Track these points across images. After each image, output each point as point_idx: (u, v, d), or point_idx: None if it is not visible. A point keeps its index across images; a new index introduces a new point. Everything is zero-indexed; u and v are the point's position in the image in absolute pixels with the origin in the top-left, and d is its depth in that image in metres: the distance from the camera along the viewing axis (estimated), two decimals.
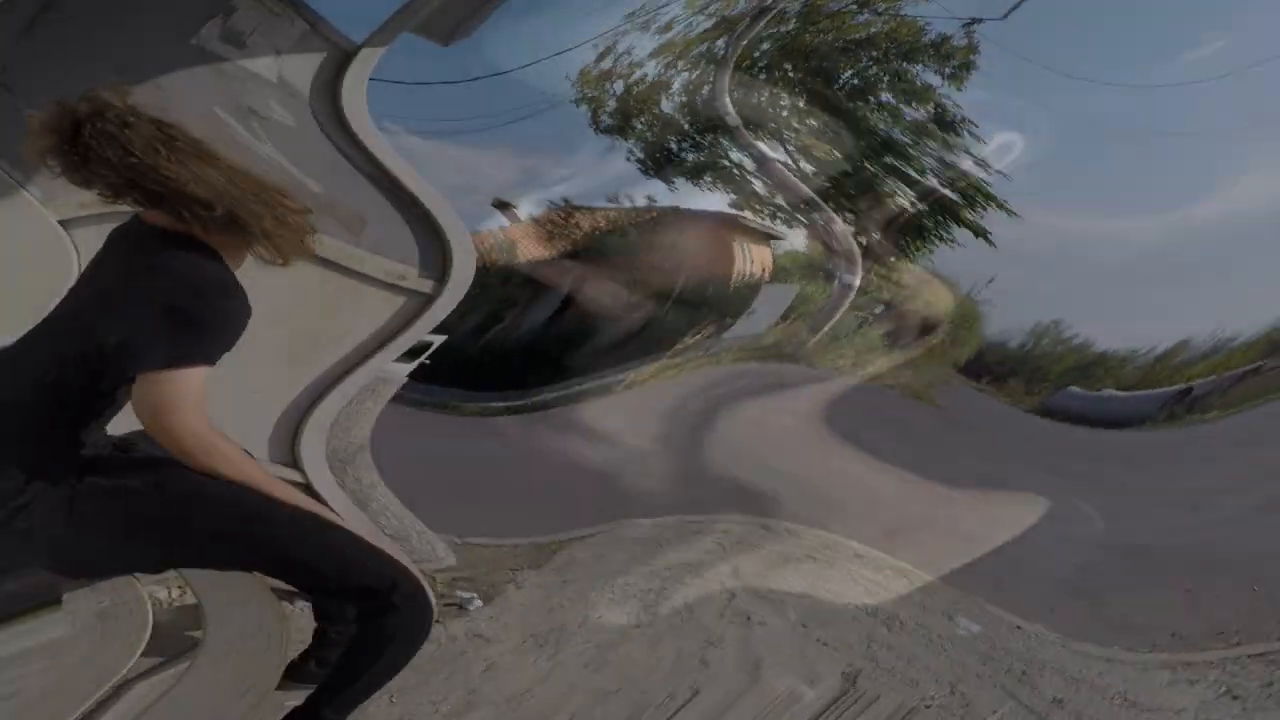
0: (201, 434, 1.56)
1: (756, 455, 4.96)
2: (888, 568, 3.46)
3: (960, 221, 7.07)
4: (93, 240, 1.78)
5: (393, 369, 3.19)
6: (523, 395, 6.09)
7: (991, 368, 6.76)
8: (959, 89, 6.55)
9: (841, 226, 7.61)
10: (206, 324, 1.53)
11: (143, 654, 1.69)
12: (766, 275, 8.13)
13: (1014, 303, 6.81)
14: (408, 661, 1.73)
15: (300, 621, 2.01)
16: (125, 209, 1.64)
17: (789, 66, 7.10)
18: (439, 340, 3.33)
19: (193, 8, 3.00)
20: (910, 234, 7.40)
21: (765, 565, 3.21)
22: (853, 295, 7.32)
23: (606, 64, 6.83)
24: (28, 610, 1.67)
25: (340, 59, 3.19)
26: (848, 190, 7.51)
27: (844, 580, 3.19)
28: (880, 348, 7.09)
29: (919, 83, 6.74)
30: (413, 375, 3.36)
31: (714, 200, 7.78)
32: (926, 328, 7.14)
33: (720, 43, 7.01)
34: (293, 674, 1.88)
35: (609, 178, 7.31)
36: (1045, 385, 6.52)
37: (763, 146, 7.52)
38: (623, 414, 5.84)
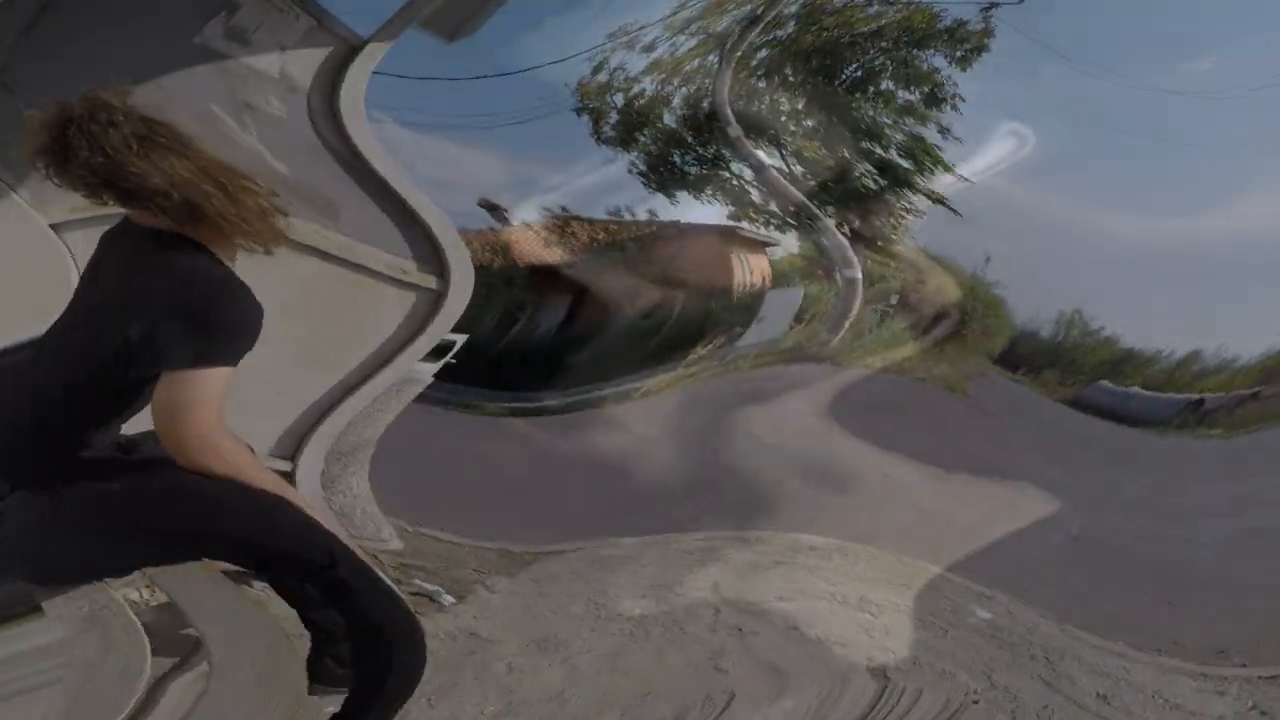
0: (208, 435, 1.57)
1: (779, 456, 4.88)
2: (851, 557, 3.53)
3: (914, 189, 7.13)
4: (85, 244, 1.83)
5: (418, 369, 3.17)
6: (534, 399, 6.08)
7: (1028, 359, 6.77)
8: (964, 71, 6.55)
9: (826, 222, 7.58)
10: (219, 322, 1.56)
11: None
12: (768, 282, 8.18)
13: (1028, 288, 6.83)
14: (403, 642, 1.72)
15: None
16: (116, 211, 1.67)
17: (789, 71, 7.12)
18: (460, 339, 3.31)
19: (195, 6, 2.97)
20: (881, 213, 7.44)
21: (739, 576, 3.21)
22: (860, 288, 7.26)
23: (602, 77, 6.88)
24: (9, 617, 1.65)
25: (345, 54, 3.17)
26: (829, 184, 7.55)
27: (811, 578, 3.18)
28: (907, 340, 7.03)
29: (925, 67, 6.76)
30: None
31: (713, 212, 7.85)
32: (945, 314, 7.11)
33: (713, 57, 7.08)
34: (317, 676, 1.87)
35: (609, 189, 7.32)
36: (1080, 378, 6.54)
37: (761, 154, 7.56)
38: (636, 421, 5.86)
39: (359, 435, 3.17)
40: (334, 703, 1.77)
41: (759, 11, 7.08)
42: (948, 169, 6.88)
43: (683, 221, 7.86)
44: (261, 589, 2.00)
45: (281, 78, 3.09)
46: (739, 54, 7.21)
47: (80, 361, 1.61)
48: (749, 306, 8.13)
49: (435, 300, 3.14)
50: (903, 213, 7.25)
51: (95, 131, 1.47)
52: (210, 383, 1.55)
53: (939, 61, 6.63)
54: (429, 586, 3.21)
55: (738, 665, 2.69)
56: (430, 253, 3.16)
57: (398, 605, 1.77)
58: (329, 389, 3.02)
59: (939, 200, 6.96)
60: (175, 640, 1.80)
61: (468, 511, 3.80)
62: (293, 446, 3.02)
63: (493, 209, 7.22)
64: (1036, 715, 2.72)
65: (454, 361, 3.31)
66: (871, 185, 7.30)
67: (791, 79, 7.08)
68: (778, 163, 7.82)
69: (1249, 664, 3.06)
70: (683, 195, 7.79)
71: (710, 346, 7.03)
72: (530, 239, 7.39)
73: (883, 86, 6.98)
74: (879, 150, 7.15)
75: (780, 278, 8.09)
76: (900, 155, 7.11)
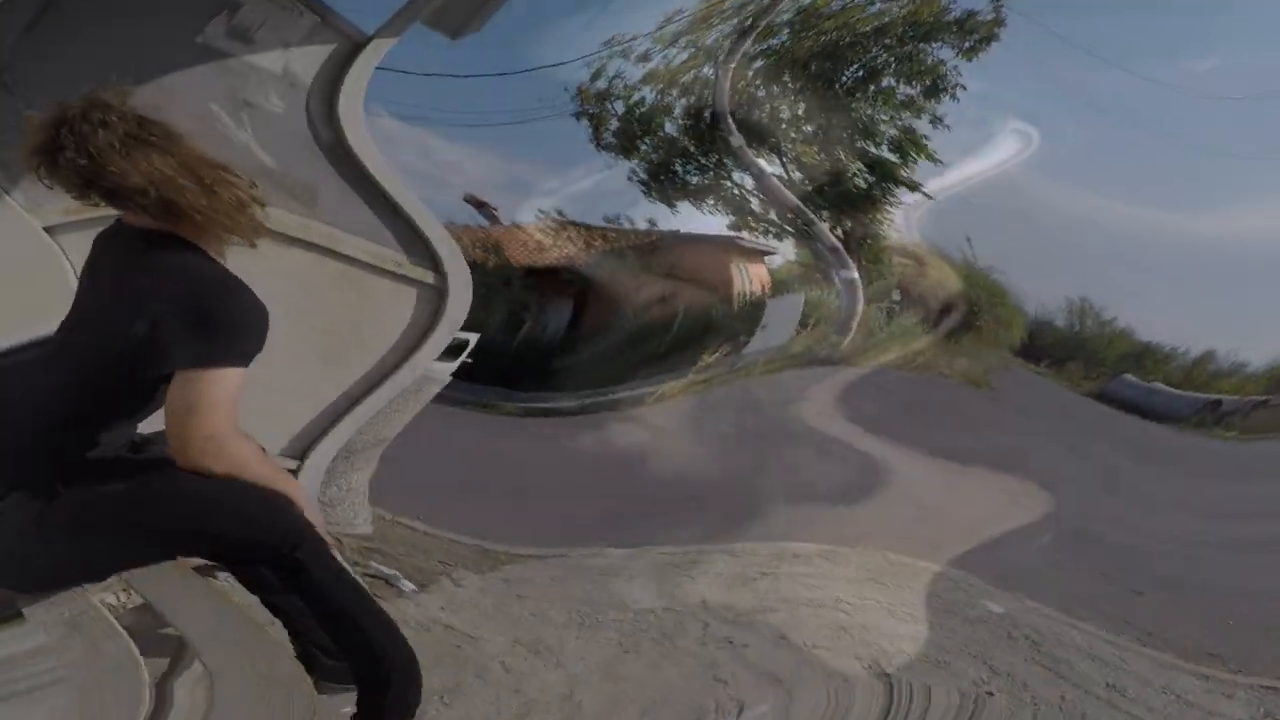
0: (212, 437, 1.55)
1: (800, 460, 4.83)
2: (835, 560, 3.52)
3: (907, 184, 7.15)
4: (80, 246, 1.80)
5: (434, 368, 3.15)
6: (548, 400, 6.05)
7: (1049, 350, 6.82)
8: (970, 61, 6.56)
9: (821, 226, 7.62)
10: (215, 319, 1.54)
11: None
12: (767, 291, 8.19)
13: (1035, 277, 6.86)
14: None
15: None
16: (109, 213, 1.67)
17: (788, 78, 7.14)
18: (473, 338, 3.28)
19: (197, 5, 2.95)
20: (872, 211, 7.46)
21: (726, 588, 3.20)
22: (859, 288, 7.27)
23: (601, 84, 6.90)
24: None
25: (349, 50, 3.15)
26: (825, 187, 7.57)
27: (796, 585, 3.18)
28: (920, 334, 7.02)
29: (930, 60, 6.78)
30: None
31: (714, 222, 7.85)
32: (951, 305, 7.12)
33: (708, 69, 7.11)
34: (313, 671, 1.81)
35: (607, 195, 7.33)
36: (1104, 370, 6.58)
37: (762, 163, 7.57)
38: (653, 424, 5.85)
39: (374, 433, 3.11)
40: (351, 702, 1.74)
41: (746, 24, 7.18)
42: (938, 161, 6.95)
43: (682, 231, 7.97)
44: (225, 578, 1.97)
45: (284, 74, 3.07)
46: (733, 65, 7.30)
47: (88, 363, 1.60)
48: (751, 315, 8.16)
49: (438, 297, 3.10)
50: (893, 207, 7.30)
51: (85, 132, 1.48)
52: (218, 384, 1.54)
53: (945, 54, 6.67)
54: (386, 570, 3.21)
55: (736, 676, 2.68)
56: (419, 245, 3.13)
57: (364, 595, 1.78)
58: (345, 390, 2.99)
59: (914, 187, 7.03)
60: (158, 641, 1.75)
61: (459, 507, 3.78)
62: (305, 447, 2.98)
63: (479, 205, 7.31)
64: (1058, 707, 2.73)
65: (470, 361, 3.27)
66: (863, 185, 7.33)
67: (791, 85, 7.12)
68: (778, 170, 7.90)
69: (1242, 670, 3.09)
70: (683, 205, 7.90)
71: (717, 354, 7.05)
72: (524, 239, 7.56)
73: (884, 84, 7.00)
74: (873, 149, 7.23)
75: (779, 285, 8.24)
76: (893, 150, 7.16)
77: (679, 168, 7.29)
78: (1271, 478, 5.39)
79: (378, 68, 3.14)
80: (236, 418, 1.59)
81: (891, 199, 7.26)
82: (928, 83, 6.76)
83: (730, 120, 7.24)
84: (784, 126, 7.35)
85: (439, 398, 3.18)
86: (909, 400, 5.89)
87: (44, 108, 1.58)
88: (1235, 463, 5.74)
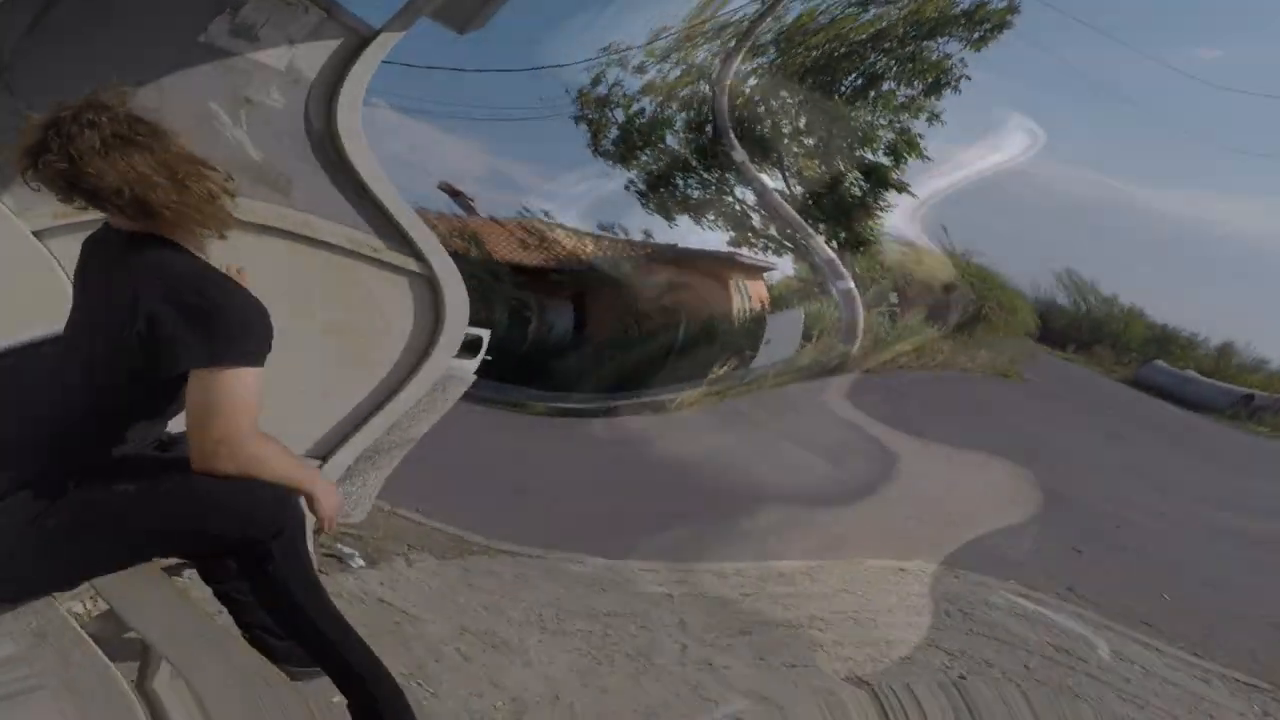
0: (229, 440, 1.52)
1: (816, 474, 4.77)
2: (814, 578, 3.51)
3: (895, 185, 7.28)
4: (70, 249, 1.78)
5: (457, 365, 3.07)
6: (571, 400, 6.04)
7: (1067, 334, 6.94)
8: (978, 51, 6.62)
9: (818, 240, 7.73)
10: (208, 314, 1.51)
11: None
12: (766, 307, 8.22)
13: (1020, 257, 6.99)
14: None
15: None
16: (98, 216, 1.65)
17: (785, 93, 7.17)
18: (485, 334, 3.22)
19: (200, 4, 2.91)
20: (864, 217, 7.57)
21: (706, 613, 3.16)
22: (856, 296, 7.31)
23: (601, 90, 6.94)
24: None
25: (356, 44, 3.11)
26: (822, 198, 7.60)
27: (776, 607, 3.18)
28: (929, 331, 7.01)
29: (934, 56, 6.83)
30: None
31: (711, 238, 7.87)
32: (948, 296, 7.16)
33: (703, 85, 7.15)
34: (274, 658, 1.76)
35: (600, 201, 7.36)
36: (1132, 355, 6.70)
37: (765, 178, 7.58)
38: (672, 430, 5.76)
39: (401, 434, 3.01)
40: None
41: (731, 45, 7.24)
42: (920, 155, 7.09)
43: (680, 245, 8.04)
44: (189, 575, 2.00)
45: (288, 71, 3.03)
46: (728, 82, 7.33)
47: (98, 363, 1.58)
48: (752, 331, 8.23)
49: (429, 287, 3.05)
50: (885, 212, 7.43)
51: (72, 134, 1.46)
52: (231, 385, 1.51)
53: (952, 47, 6.75)
54: (345, 550, 3.21)
55: (724, 697, 2.64)
56: (393, 231, 3.09)
57: (321, 593, 1.75)
58: (373, 389, 2.94)
59: (903, 189, 7.20)
60: (122, 645, 1.72)
61: (459, 498, 3.80)
62: (330, 448, 2.92)
63: (454, 194, 7.28)
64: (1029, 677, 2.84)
65: (490, 359, 3.21)
66: (859, 192, 7.43)
67: (790, 100, 7.14)
68: (779, 184, 7.91)
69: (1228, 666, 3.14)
70: (681, 218, 7.91)
71: (725, 368, 7.01)
72: (504, 234, 7.52)
73: (884, 88, 7.08)
74: (870, 155, 7.26)
75: (778, 301, 8.14)
76: (888, 154, 7.25)
77: (680, 181, 7.41)
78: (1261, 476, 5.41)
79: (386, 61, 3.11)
80: (254, 421, 1.55)
81: (884, 204, 7.41)
82: (930, 80, 6.84)
83: (732, 135, 7.32)
84: (786, 141, 7.39)
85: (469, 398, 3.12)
86: (932, 398, 5.79)
87: (45, 108, 1.54)
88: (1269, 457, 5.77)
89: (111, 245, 1.62)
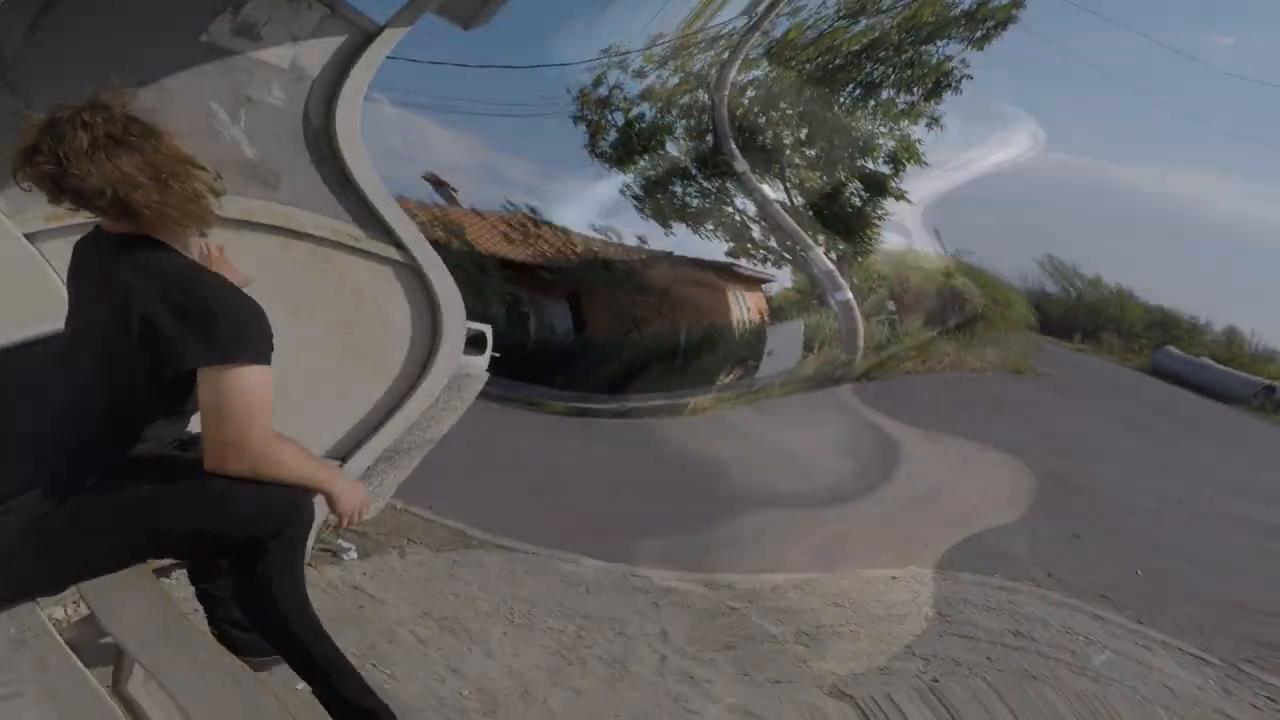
0: (240, 443, 1.52)
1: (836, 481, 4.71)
2: (806, 591, 3.47)
3: (887, 192, 7.32)
4: (63, 252, 1.77)
5: (469, 363, 3.03)
6: (590, 400, 6.02)
7: (1067, 322, 7.00)
8: (980, 50, 6.64)
9: (817, 252, 7.73)
10: (205, 313, 1.51)
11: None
12: (766, 319, 8.22)
13: (998, 248, 7.04)
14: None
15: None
16: (90, 219, 1.65)
17: (785, 105, 7.19)
18: (488, 329, 3.18)
19: (202, 3, 2.88)
20: (862, 228, 7.62)
21: (691, 625, 3.12)
22: (854, 307, 7.34)
23: (602, 91, 6.95)
24: None
25: (361, 40, 3.08)
26: (823, 210, 7.61)
27: (764, 621, 3.14)
28: (931, 335, 7.00)
29: (934, 60, 6.85)
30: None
31: (709, 247, 7.85)
32: (944, 299, 7.17)
33: (702, 94, 7.18)
34: (238, 650, 1.75)
35: (594, 204, 7.35)
36: (1140, 341, 6.74)
37: (766, 189, 7.58)
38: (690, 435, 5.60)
39: (421, 434, 3.01)
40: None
41: (724, 57, 7.28)
42: (919, 161, 7.12)
43: (676, 254, 8.01)
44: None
45: (291, 68, 3.00)
46: (726, 92, 7.35)
47: (104, 363, 1.58)
48: (753, 342, 8.19)
49: (416, 278, 3.02)
50: (882, 221, 7.48)
51: (64, 134, 1.46)
52: (238, 384, 1.50)
53: (952, 49, 6.78)
54: (343, 543, 3.19)
55: (707, 710, 2.60)
56: (374, 220, 3.07)
57: (304, 600, 1.75)
58: (388, 386, 2.91)
59: (901, 197, 7.25)
60: (97, 652, 1.72)
61: (469, 492, 3.77)
62: (350, 448, 2.88)
63: (438, 184, 7.25)
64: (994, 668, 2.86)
65: (498, 355, 3.17)
66: (858, 202, 7.46)
67: (789, 111, 7.15)
68: (781, 196, 7.90)
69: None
70: (679, 226, 7.87)
71: (732, 376, 6.97)
72: (487, 227, 7.45)
73: (883, 96, 7.10)
74: (870, 165, 7.26)
75: (777, 313, 8.10)
76: (887, 163, 7.26)
77: (678, 188, 7.43)
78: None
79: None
80: (266, 421, 1.54)
81: (882, 213, 7.46)
82: (930, 84, 6.87)
83: (733, 145, 7.36)
84: (788, 152, 7.39)
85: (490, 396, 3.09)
86: (947, 398, 5.75)
87: (46, 108, 1.53)
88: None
89: (102, 248, 1.62)
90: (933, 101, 6.68)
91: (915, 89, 6.68)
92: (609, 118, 6.70)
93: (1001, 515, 4.16)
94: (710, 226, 7.77)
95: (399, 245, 2.98)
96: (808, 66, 6.95)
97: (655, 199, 7.09)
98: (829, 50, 6.88)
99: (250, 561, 1.65)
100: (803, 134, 7.08)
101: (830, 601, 3.29)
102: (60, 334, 1.74)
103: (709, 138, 6.99)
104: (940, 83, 6.62)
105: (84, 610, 1.80)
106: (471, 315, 3.08)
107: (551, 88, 6.28)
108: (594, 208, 7.28)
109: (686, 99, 6.96)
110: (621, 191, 6.97)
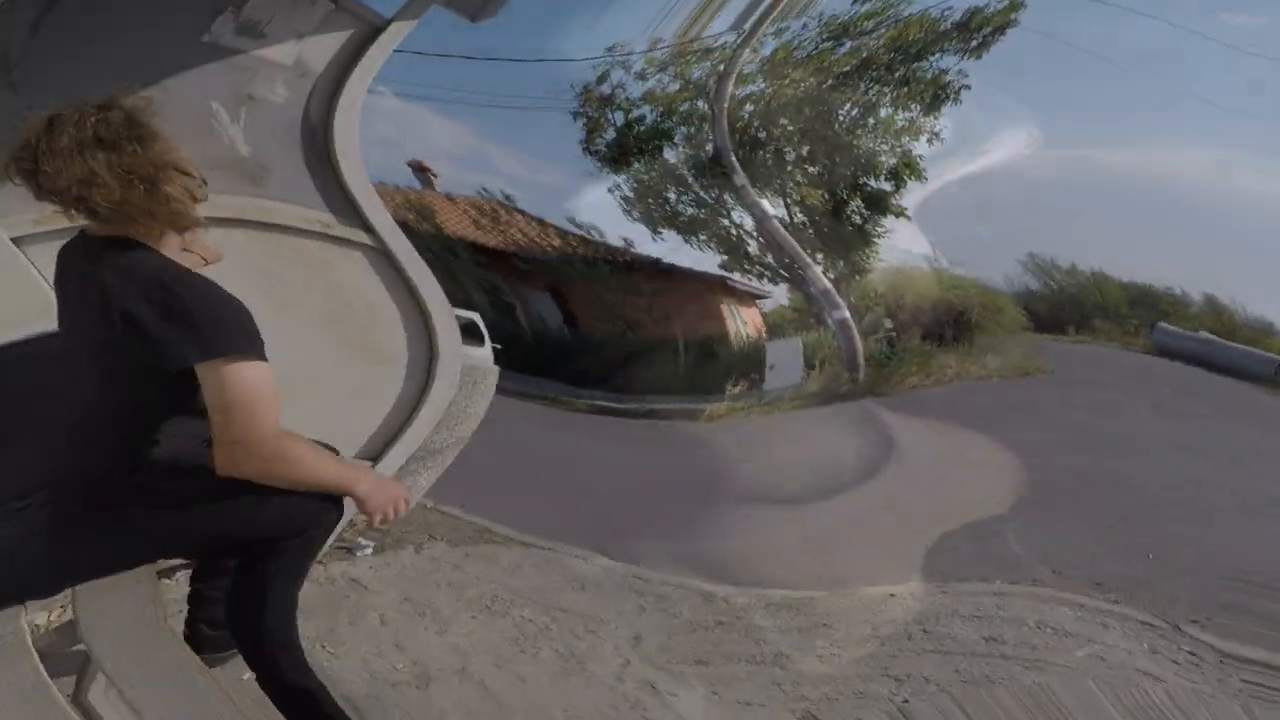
0: (247, 443, 1.50)
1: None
2: (801, 611, 3.42)
3: (888, 209, 7.34)
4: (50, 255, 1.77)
5: (471, 354, 2.98)
6: (613, 400, 5.95)
7: (1056, 316, 7.06)
8: (978, 59, 6.65)
9: (815, 270, 7.69)
10: (184, 308, 1.50)
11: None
12: (763, 334, 8.20)
13: (983, 254, 7.10)
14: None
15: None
16: (77, 223, 1.65)
17: (785, 120, 7.21)
18: (475, 316, 3.15)
19: (203, 3, 2.85)
20: (858, 243, 7.60)
21: (666, 634, 3.08)
22: (852, 326, 7.30)
23: (605, 89, 6.96)
24: None
25: (367, 34, 3.05)
26: (824, 229, 7.62)
27: (746, 641, 3.09)
28: (932, 350, 6.97)
29: (929, 75, 6.85)
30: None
31: (700, 258, 7.84)
32: (939, 313, 7.15)
33: (701, 103, 7.21)
34: (199, 647, 1.77)
35: (577, 199, 7.35)
36: (1130, 322, 6.76)
37: (765, 204, 7.57)
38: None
39: (452, 433, 3.02)
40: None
41: (720, 69, 7.33)
42: (919, 177, 7.13)
43: (664, 261, 7.93)
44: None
45: (295, 65, 2.97)
46: (725, 104, 7.38)
47: (103, 365, 1.58)
48: (752, 355, 8.08)
49: (384, 260, 2.98)
50: (878, 237, 7.47)
51: (55, 131, 1.48)
52: (233, 378, 1.48)
53: (947, 61, 6.76)
54: (364, 540, 3.20)
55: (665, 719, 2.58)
56: (349, 208, 3.04)
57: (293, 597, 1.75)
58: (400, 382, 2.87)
59: (900, 213, 7.25)
60: (64, 660, 1.68)
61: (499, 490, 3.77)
62: (379, 448, 2.86)
63: (421, 170, 7.27)
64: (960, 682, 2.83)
65: (499, 346, 3.12)
66: (859, 220, 7.46)
67: (790, 127, 7.17)
68: (781, 212, 7.90)
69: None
70: (669, 234, 7.84)
71: (739, 387, 6.90)
72: (457, 211, 7.27)
73: (882, 115, 7.10)
74: (873, 182, 7.28)
75: (774, 330, 8.05)
76: (889, 179, 7.26)
77: (672, 195, 7.41)
78: None
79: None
80: (272, 418, 1.52)
81: (882, 231, 7.45)
82: (927, 100, 6.86)
83: (733, 158, 7.36)
84: (790, 168, 7.41)
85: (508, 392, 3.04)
86: (960, 408, 5.70)
87: (47, 108, 1.54)
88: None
89: (85, 251, 1.62)
90: (933, 116, 6.68)
91: (914, 105, 6.68)
92: (609, 116, 6.68)
93: (1034, 517, 4.11)
94: (703, 237, 7.72)
95: (369, 229, 2.98)
96: (802, 86, 6.97)
97: (646, 202, 7.07)
98: (819, 71, 6.91)
99: (262, 560, 1.65)
100: (804, 150, 7.06)
101: (820, 622, 3.24)
102: (55, 333, 1.73)
103: (708, 147, 6.97)
104: (938, 96, 6.63)
105: (67, 616, 1.81)
106: (450, 301, 3.06)
107: (557, 83, 6.29)
108: (579, 203, 7.29)
109: (686, 106, 6.93)
110: (610, 191, 6.95)
